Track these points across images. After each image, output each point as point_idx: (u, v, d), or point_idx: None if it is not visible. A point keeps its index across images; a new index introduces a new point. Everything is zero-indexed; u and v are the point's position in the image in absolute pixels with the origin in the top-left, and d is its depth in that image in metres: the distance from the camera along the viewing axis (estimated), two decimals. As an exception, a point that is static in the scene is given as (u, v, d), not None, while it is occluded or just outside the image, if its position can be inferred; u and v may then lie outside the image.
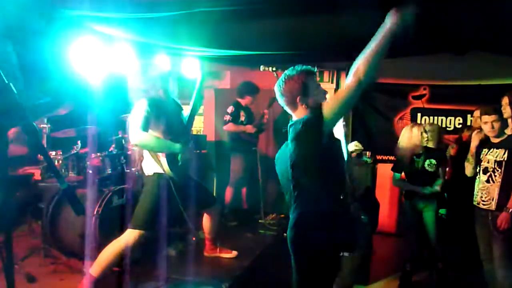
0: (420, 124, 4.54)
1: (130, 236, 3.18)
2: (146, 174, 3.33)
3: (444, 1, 2.99)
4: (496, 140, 3.34)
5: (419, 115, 5.86)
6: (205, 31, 3.86)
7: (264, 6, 3.07)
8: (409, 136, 3.99)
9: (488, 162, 3.33)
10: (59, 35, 3.57)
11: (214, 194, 5.72)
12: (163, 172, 3.23)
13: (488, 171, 3.32)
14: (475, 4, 3.01)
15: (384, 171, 5.29)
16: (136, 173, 4.27)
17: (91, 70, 4.03)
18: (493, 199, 3.26)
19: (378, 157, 5.81)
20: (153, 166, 3.28)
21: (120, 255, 3.19)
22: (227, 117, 5.29)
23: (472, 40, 4.24)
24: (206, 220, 3.92)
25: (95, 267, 3.17)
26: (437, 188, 3.90)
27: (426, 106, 5.81)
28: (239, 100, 5.42)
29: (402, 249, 4.23)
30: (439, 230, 3.93)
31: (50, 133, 4.22)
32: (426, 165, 3.93)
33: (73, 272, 3.65)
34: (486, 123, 3.34)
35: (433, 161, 3.93)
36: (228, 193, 5.43)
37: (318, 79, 2.81)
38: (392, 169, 4.18)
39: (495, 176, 3.27)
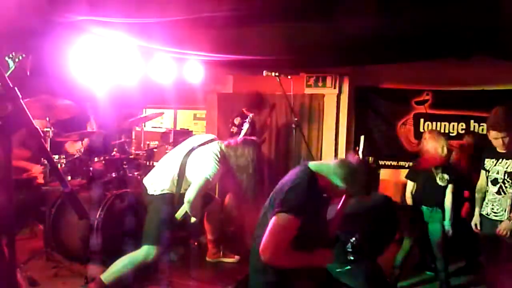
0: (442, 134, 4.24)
1: (149, 252, 3.16)
2: (153, 193, 3.28)
3: (448, 6, 3.00)
4: (504, 150, 3.26)
5: (421, 120, 5.86)
6: (208, 36, 3.87)
7: (267, 11, 3.08)
8: (435, 146, 3.85)
9: (497, 173, 3.25)
10: (61, 39, 3.58)
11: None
12: (171, 192, 3.25)
13: (498, 182, 3.25)
14: (478, 8, 3.01)
15: (387, 176, 5.29)
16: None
17: (94, 74, 4.05)
18: (505, 210, 3.20)
19: (381, 162, 5.80)
20: (162, 184, 3.28)
21: (135, 269, 3.19)
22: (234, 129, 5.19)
23: (476, 45, 4.24)
24: (207, 219, 3.92)
25: (107, 275, 3.16)
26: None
27: (429, 111, 5.80)
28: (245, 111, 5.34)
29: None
30: (444, 240, 3.88)
31: (54, 137, 4.24)
32: (438, 179, 3.88)
33: (75, 276, 3.64)
34: (496, 139, 3.27)
35: (446, 176, 3.85)
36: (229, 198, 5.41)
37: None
38: (406, 176, 4.14)
39: (505, 187, 3.20)
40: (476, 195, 3.51)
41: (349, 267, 2.59)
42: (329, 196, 2.27)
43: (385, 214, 2.87)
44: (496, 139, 3.25)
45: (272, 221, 2.01)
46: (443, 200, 3.84)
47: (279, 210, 2.00)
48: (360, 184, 2.17)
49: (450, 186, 3.85)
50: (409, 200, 4.04)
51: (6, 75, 1.21)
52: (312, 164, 2.22)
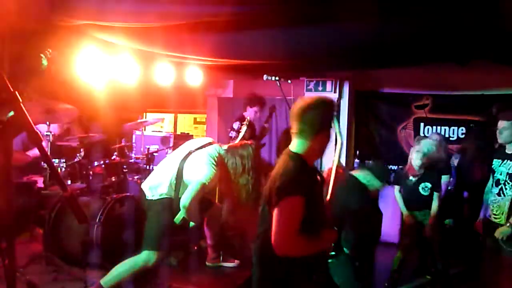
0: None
1: (149, 257, 3.15)
2: (152, 198, 3.28)
3: (448, 11, 3.01)
4: (510, 151, 3.20)
5: (422, 124, 5.86)
6: (209, 40, 3.88)
7: (267, 16, 3.09)
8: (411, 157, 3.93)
9: (500, 174, 3.20)
10: (62, 43, 3.59)
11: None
12: (170, 196, 3.24)
13: (500, 184, 3.19)
14: (478, 13, 3.02)
15: (387, 180, 5.29)
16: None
17: (95, 78, 4.05)
18: (503, 213, 3.14)
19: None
20: (160, 188, 3.27)
21: (135, 274, 3.18)
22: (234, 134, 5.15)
23: (475, 49, 4.25)
24: (207, 224, 3.91)
25: (107, 280, 3.15)
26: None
27: (429, 115, 5.81)
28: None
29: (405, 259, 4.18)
30: (442, 241, 3.89)
31: (54, 141, 4.24)
32: (420, 189, 3.88)
33: (75, 280, 3.63)
34: (503, 130, 3.21)
35: (428, 185, 3.87)
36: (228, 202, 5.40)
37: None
38: (393, 182, 4.16)
39: (505, 189, 3.14)
40: (485, 196, 3.47)
41: (330, 260, 2.53)
42: (321, 177, 2.25)
43: (369, 216, 2.86)
44: (504, 129, 3.16)
45: (276, 210, 1.97)
46: (431, 204, 3.86)
47: (280, 196, 1.97)
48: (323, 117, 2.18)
49: (436, 195, 3.85)
50: (399, 201, 4.06)
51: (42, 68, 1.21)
52: (293, 147, 2.18)
